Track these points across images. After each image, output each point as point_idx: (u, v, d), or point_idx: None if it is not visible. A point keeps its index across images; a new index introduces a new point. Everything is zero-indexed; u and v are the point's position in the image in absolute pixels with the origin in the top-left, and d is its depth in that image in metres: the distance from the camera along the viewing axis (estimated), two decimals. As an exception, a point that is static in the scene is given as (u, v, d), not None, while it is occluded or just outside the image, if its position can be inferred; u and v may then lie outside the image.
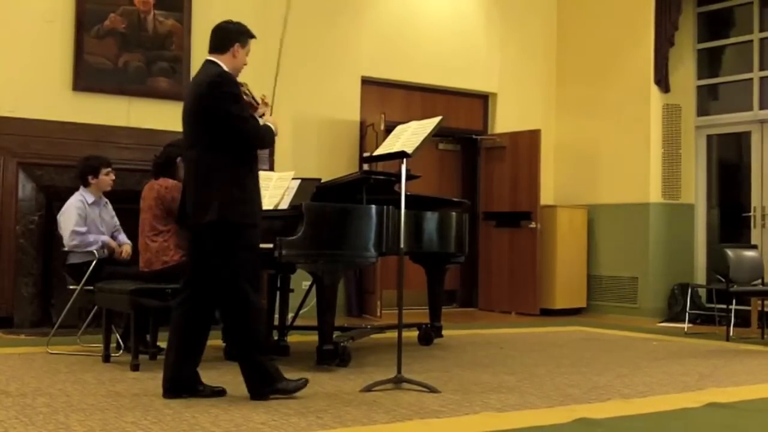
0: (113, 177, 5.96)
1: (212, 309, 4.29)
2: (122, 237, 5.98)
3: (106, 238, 5.78)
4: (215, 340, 5.50)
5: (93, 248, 5.62)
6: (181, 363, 4.17)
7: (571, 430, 3.63)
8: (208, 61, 4.29)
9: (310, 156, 8.47)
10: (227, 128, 4.11)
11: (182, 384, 4.14)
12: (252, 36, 4.37)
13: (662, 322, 8.90)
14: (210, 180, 4.11)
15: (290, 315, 6.25)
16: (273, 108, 4.91)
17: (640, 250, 9.37)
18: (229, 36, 4.29)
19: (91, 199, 5.82)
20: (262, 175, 5.82)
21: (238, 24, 4.37)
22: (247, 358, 4.16)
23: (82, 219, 5.71)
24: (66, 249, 5.71)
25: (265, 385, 4.12)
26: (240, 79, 4.33)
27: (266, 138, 4.29)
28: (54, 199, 7.13)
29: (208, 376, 4.32)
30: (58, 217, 5.84)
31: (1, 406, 3.85)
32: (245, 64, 4.35)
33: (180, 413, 3.75)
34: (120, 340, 5.58)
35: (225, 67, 4.22)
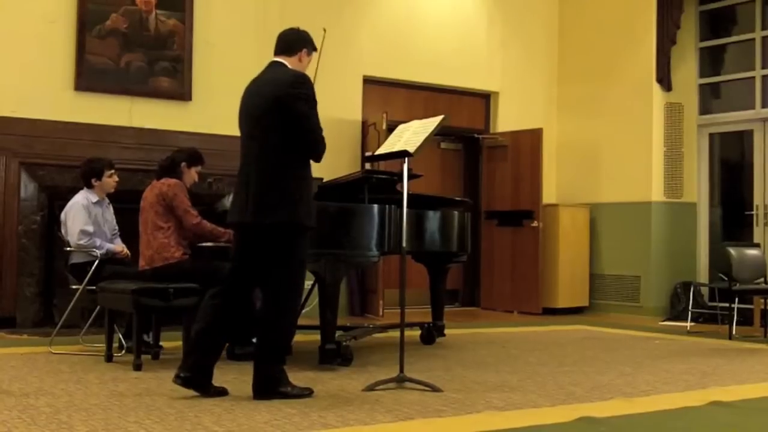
0: (117, 178, 5.97)
1: (244, 308, 4.30)
2: (118, 240, 5.99)
3: (112, 246, 5.80)
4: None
5: (97, 252, 5.64)
6: (203, 356, 4.15)
7: (573, 429, 3.63)
8: (276, 62, 4.34)
9: (312, 155, 8.46)
10: (297, 129, 4.15)
11: (197, 376, 4.12)
12: (316, 48, 4.48)
13: (665, 320, 8.90)
14: (280, 179, 4.14)
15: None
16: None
17: (642, 249, 9.37)
18: (300, 41, 4.39)
19: (95, 198, 5.85)
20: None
21: (307, 33, 4.46)
22: (265, 362, 4.15)
23: (90, 218, 5.72)
24: (71, 248, 5.71)
25: (270, 389, 4.12)
26: None
27: (322, 149, 4.31)
28: (56, 199, 7.13)
29: (211, 375, 4.33)
30: (63, 215, 5.83)
31: (3, 406, 3.85)
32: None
33: (183, 413, 3.75)
34: (122, 340, 5.58)
35: None
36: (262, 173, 4.18)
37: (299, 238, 4.20)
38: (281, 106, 4.15)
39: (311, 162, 4.36)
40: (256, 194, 4.17)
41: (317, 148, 4.27)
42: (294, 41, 4.39)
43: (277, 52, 4.39)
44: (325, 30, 4.60)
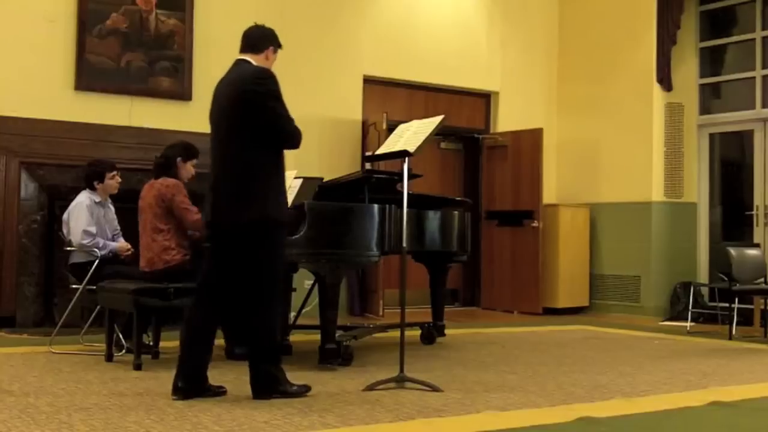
0: (119, 180, 5.97)
1: (225, 309, 4.29)
2: (120, 239, 5.99)
3: (114, 245, 5.80)
4: (218, 339, 5.50)
5: (101, 252, 5.64)
6: (195, 363, 4.15)
7: (573, 429, 3.63)
8: (241, 60, 4.32)
9: (312, 155, 8.47)
10: (268, 125, 4.14)
11: (194, 385, 4.12)
12: (281, 46, 4.44)
13: (665, 320, 8.90)
14: (250, 178, 4.11)
15: (292, 314, 6.26)
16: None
17: (642, 249, 9.37)
18: (266, 38, 4.36)
19: (98, 199, 5.87)
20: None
21: (272, 30, 4.43)
22: (257, 361, 4.15)
23: (93, 218, 5.73)
24: (72, 247, 5.72)
25: (269, 388, 4.12)
26: None
27: (298, 139, 4.29)
28: (56, 198, 7.14)
29: (210, 374, 4.31)
30: (66, 214, 5.85)
31: (4, 405, 3.85)
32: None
33: (183, 412, 3.75)
34: (122, 339, 5.58)
35: None
36: (231, 172, 4.15)
37: (272, 235, 4.16)
38: (245, 104, 4.13)
39: (284, 153, 4.32)
40: (226, 194, 4.16)
41: (291, 140, 4.24)
42: (260, 38, 4.34)
43: (242, 50, 4.34)
44: None
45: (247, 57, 4.30)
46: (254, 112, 4.12)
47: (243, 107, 4.13)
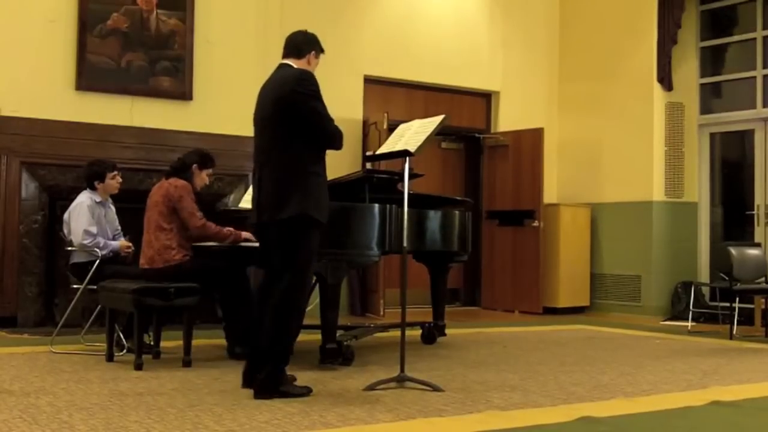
0: (120, 180, 5.97)
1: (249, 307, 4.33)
2: (122, 239, 5.98)
3: (115, 245, 5.80)
4: (219, 339, 5.52)
5: (102, 252, 5.64)
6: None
7: (574, 429, 3.63)
8: (283, 65, 4.39)
9: (312, 155, 8.46)
10: (309, 125, 4.21)
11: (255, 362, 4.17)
12: (323, 51, 4.52)
13: (665, 320, 8.90)
14: (292, 177, 4.17)
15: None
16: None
17: (643, 249, 9.37)
18: (308, 44, 4.46)
19: (98, 198, 5.86)
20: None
21: (315, 36, 4.51)
22: (271, 361, 4.15)
23: (93, 218, 5.73)
24: (73, 248, 5.72)
25: (271, 388, 4.12)
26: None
27: (339, 139, 4.36)
28: (57, 198, 7.14)
29: (211, 374, 4.32)
30: (67, 214, 5.84)
31: (4, 405, 3.85)
32: None
33: (183, 412, 3.75)
34: (123, 339, 5.58)
35: None
36: (273, 172, 4.22)
37: (308, 233, 4.20)
38: (287, 105, 4.19)
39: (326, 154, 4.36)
40: (268, 193, 4.22)
41: (333, 139, 4.33)
42: (302, 44, 4.44)
43: (285, 55, 4.43)
44: None
45: (290, 61, 4.39)
46: (296, 112, 4.19)
47: (285, 108, 4.20)
